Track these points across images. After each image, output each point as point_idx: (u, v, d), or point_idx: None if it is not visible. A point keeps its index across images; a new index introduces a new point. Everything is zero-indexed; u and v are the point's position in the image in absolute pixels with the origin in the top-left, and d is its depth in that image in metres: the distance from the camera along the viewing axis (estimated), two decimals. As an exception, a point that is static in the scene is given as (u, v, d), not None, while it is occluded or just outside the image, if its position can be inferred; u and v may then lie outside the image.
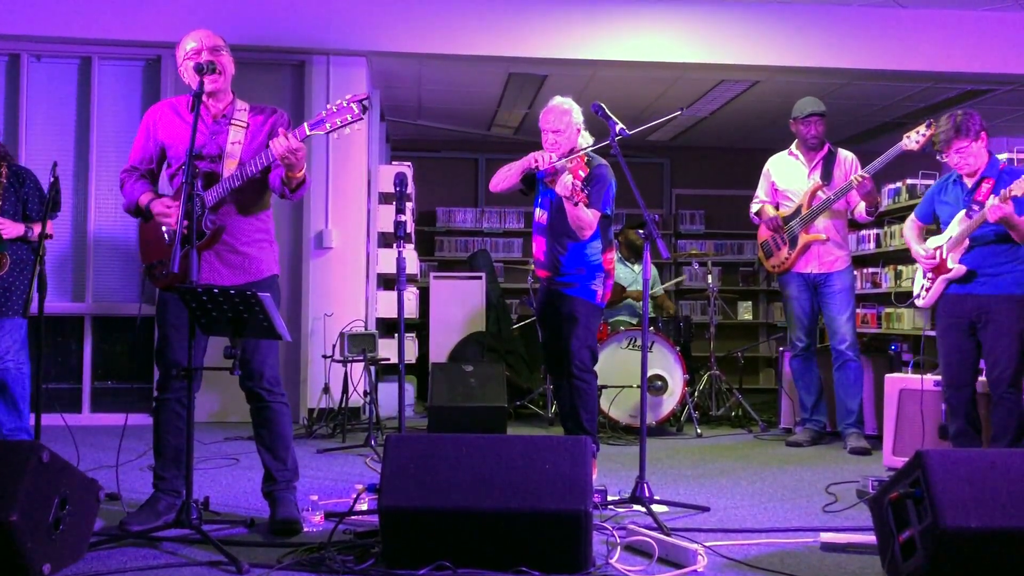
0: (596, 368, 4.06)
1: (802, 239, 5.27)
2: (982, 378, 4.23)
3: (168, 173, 3.36)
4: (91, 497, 2.88)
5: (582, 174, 3.86)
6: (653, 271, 7.08)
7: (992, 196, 3.94)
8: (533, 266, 4.32)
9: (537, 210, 4.22)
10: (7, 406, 4.37)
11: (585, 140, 4.12)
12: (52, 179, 3.97)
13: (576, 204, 3.82)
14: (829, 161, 5.33)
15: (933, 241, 4.27)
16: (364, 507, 3.34)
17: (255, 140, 3.28)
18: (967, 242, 4.10)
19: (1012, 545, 2.52)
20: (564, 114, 4.06)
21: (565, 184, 3.80)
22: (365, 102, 3.08)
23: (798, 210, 5.31)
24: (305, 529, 3.21)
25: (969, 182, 4.15)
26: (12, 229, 4.27)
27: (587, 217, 3.93)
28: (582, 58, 6.36)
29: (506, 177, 4.16)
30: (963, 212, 4.11)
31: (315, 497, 3.42)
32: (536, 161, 4.03)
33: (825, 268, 5.28)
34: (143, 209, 3.30)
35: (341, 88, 6.27)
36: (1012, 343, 4.01)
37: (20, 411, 4.37)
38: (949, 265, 4.13)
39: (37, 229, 4.33)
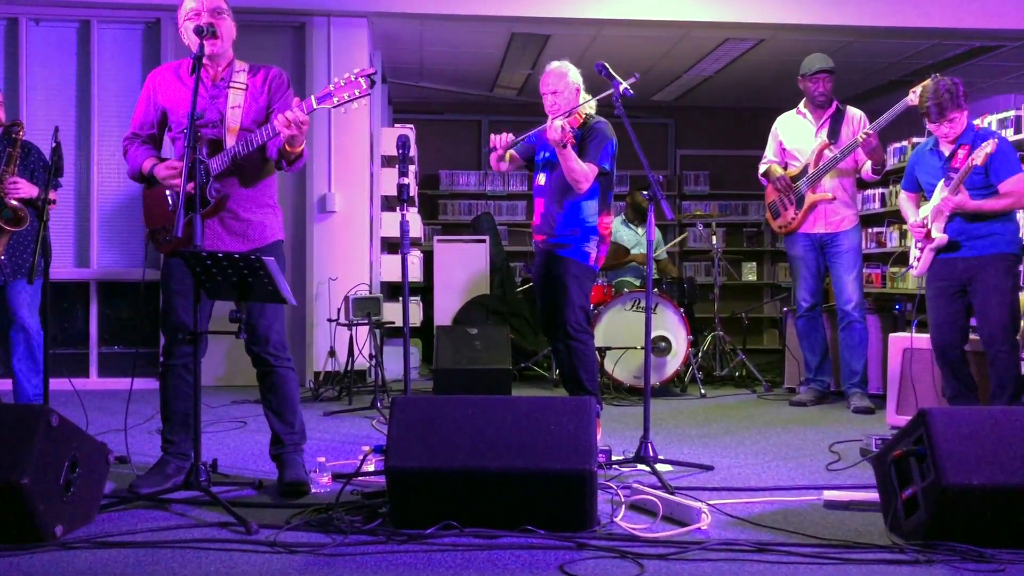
0: (600, 330, 4.08)
1: (809, 198, 5.25)
2: (974, 336, 4.25)
3: (170, 137, 3.34)
4: (101, 460, 2.91)
5: (573, 122, 3.95)
6: (657, 234, 7.07)
7: (944, 187, 4.05)
8: (534, 240, 4.34)
9: (539, 175, 4.23)
10: (32, 367, 4.49)
11: (585, 100, 4.13)
12: (54, 144, 3.97)
13: (564, 146, 3.84)
14: (837, 119, 5.28)
15: (924, 210, 4.28)
16: (371, 468, 3.37)
17: (256, 103, 3.25)
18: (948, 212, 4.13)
19: (1014, 502, 2.54)
20: (561, 76, 4.10)
21: (555, 127, 3.84)
22: (373, 77, 3.06)
23: (805, 169, 5.28)
24: (313, 490, 3.25)
25: (947, 150, 4.15)
26: (28, 189, 4.33)
27: (581, 168, 3.94)
28: (585, 17, 6.29)
29: (506, 139, 4.17)
30: (942, 181, 4.12)
31: (322, 459, 3.46)
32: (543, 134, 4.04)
33: (832, 228, 5.26)
34: (147, 175, 3.29)
35: (342, 50, 6.22)
36: (1002, 300, 4.03)
37: (40, 375, 4.45)
38: (933, 235, 4.16)
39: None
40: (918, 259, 4.28)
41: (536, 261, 4.29)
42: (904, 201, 4.46)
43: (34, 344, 4.50)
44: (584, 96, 4.13)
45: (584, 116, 4.10)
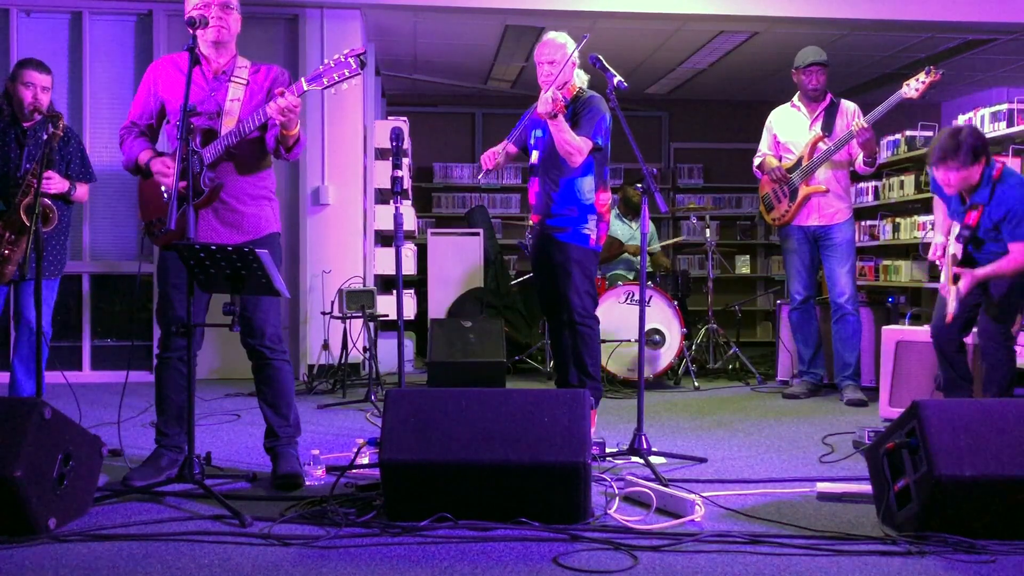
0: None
1: (802, 191, 5.25)
2: (976, 329, 4.25)
3: (168, 129, 3.34)
4: (94, 453, 2.91)
5: (565, 94, 3.91)
6: (650, 227, 7.07)
7: (956, 242, 3.94)
8: (530, 222, 4.33)
9: (532, 153, 4.18)
10: (31, 372, 4.40)
11: (579, 76, 4.12)
12: (47, 136, 3.94)
13: (555, 117, 3.79)
14: (831, 112, 5.28)
15: (939, 237, 4.23)
16: (365, 461, 3.38)
17: (255, 98, 3.25)
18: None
19: (1004, 493, 2.55)
20: (559, 47, 4.04)
21: (546, 99, 3.79)
22: (362, 57, 3.05)
23: (799, 162, 5.29)
24: (307, 483, 3.24)
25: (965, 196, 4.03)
26: (59, 184, 4.24)
27: (574, 140, 3.89)
28: (580, 9, 6.28)
29: (494, 153, 4.13)
30: (958, 230, 4.04)
31: (316, 452, 3.46)
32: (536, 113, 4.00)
33: (826, 220, 5.27)
34: (142, 167, 3.29)
35: (336, 42, 6.20)
36: (1008, 297, 4.02)
37: (33, 376, 4.41)
38: (960, 285, 4.01)
39: (79, 189, 4.38)
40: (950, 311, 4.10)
41: (533, 243, 4.25)
42: (938, 211, 4.32)
43: (34, 344, 4.42)
44: (579, 71, 4.10)
45: (577, 90, 4.06)
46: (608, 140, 4.10)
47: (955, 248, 4.03)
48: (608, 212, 4.18)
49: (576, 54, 3.98)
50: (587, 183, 4.05)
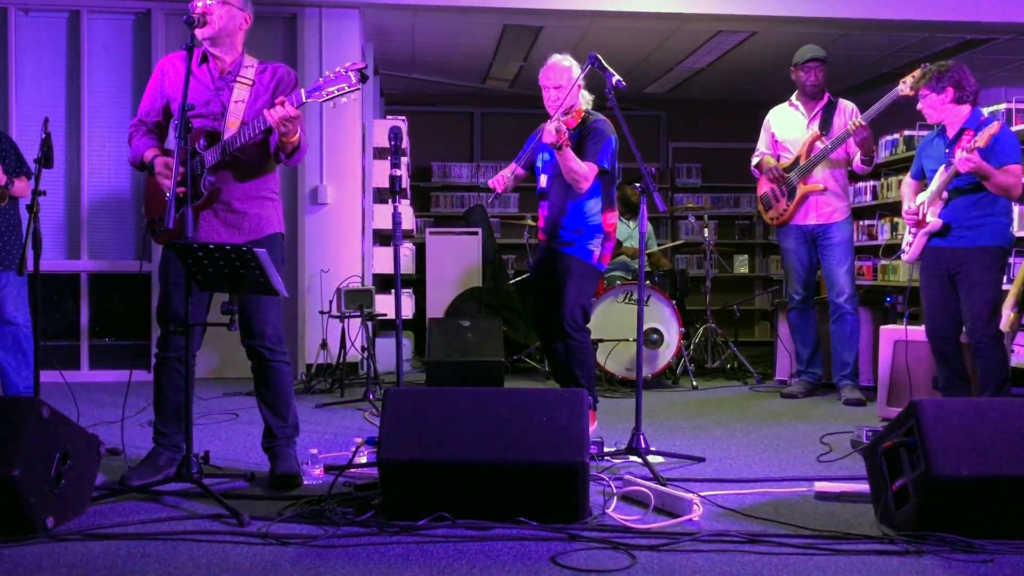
0: (592, 322, 4.09)
1: (800, 190, 5.26)
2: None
3: (173, 126, 3.34)
4: (92, 452, 2.91)
5: (570, 122, 3.91)
6: (648, 227, 7.07)
7: (960, 149, 3.92)
8: (530, 221, 4.33)
9: (541, 176, 4.21)
10: (22, 360, 4.44)
11: (585, 97, 4.13)
12: (44, 135, 3.94)
13: (560, 148, 3.81)
14: (829, 111, 5.29)
15: (920, 197, 4.26)
16: (363, 460, 3.38)
17: (259, 99, 3.25)
18: (945, 195, 4.09)
19: (1002, 492, 2.56)
20: (564, 71, 4.05)
21: (549, 131, 3.81)
22: (363, 71, 3.06)
23: (796, 161, 5.29)
24: (305, 482, 3.25)
25: (951, 134, 4.13)
26: None
27: (580, 168, 3.92)
28: (578, 9, 6.27)
29: (504, 177, 4.12)
30: (943, 167, 4.09)
31: (315, 451, 3.46)
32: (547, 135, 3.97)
33: (824, 219, 5.27)
34: (147, 164, 3.29)
35: (334, 41, 6.20)
36: (984, 293, 4.03)
37: (31, 368, 4.42)
38: (928, 219, 4.13)
39: (17, 184, 4.36)
40: (910, 244, 4.26)
41: (537, 256, 4.28)
42: (906, 187, 4.40)
43: (22, 337, 4.44)
44: (585, 93, 4.11)
45: (583, 114, 4.07)
46: (615, 162, 4.12)
47: (932, 217, 4.13)
48: (615, 231, 4.21)
49: (582, 77, 3.96)
50: (594, 205, 4.06)
